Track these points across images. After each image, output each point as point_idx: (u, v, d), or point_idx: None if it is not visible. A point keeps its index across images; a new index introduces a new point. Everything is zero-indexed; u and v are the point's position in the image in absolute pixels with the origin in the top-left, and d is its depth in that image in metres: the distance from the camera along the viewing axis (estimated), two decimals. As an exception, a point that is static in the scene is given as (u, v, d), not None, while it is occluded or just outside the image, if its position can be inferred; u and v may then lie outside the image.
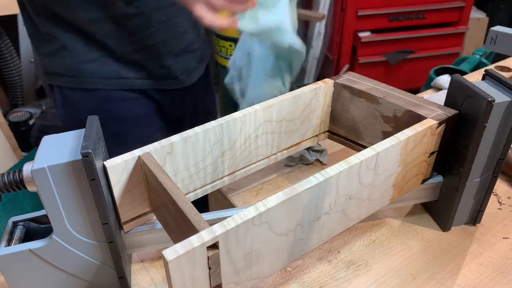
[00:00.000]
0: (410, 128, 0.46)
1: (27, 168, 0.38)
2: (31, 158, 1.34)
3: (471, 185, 0.51)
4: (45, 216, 0.43)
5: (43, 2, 0.70)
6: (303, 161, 0.66)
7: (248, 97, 0.69)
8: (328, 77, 0.57)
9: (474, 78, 0.94)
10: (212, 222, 0.43)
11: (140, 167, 0.43)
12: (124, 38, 0.73)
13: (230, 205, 0.60)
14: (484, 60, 1.26)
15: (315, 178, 0.39)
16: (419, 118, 0.48)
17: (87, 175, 0.37)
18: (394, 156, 0.45)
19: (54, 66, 0.75)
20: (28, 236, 0.43)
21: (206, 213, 0.47)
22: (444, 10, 2.14)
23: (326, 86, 0.56)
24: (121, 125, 0.77)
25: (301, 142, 0.59)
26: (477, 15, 2.42)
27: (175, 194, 0.37)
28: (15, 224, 0.43)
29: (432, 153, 0.50)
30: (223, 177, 0.52)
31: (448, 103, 0.50)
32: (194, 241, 0.32)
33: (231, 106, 0.72)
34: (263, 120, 0.52)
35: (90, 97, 0.77)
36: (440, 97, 0.87)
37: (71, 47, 0.73)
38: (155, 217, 0.46)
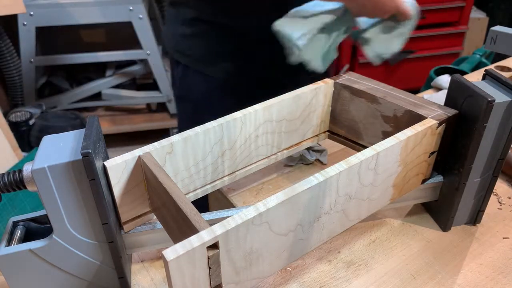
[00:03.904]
0: (410, 128, 0.46)
1: (27, 168, 0.38)
2: (31, 158, 1.34)
3: (471, 185, 0.51)
4: (45, 216, 0.43)
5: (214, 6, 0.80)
6: (303, 161, 0.66)
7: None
8: (328, 77, 0.57)
9: (474, 78, 0.94)
10: (212, 222, 0.43)
11: (140, 167, 0.43)
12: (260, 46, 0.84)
13: (230, 205, 0.60)
14: (484, 60, 1.26)
15: (315, 178, 0.39)
16: (419, 118, 0.48)
17: (87, 175, 0.37)
18: (394, 156, 0.45)
19: (187, 47, 0.86)
20: (28, 236, 0.43)
21: (206, 213, 0.47)
22: (444, 10, 2.14)
23: (326, 86, 0.56)
24: (219, 110, 0.81)
25: (301, 142, 0.59)
26: (477, 15, 2.42)
27: (175, 194, 0.37)
28: (15, 224, 0.43)
29: (432, 153, 0.50)
30: (223, 177, 0.52)
31: (448, 103, 0.50)
32: (194, 241, 0.32)
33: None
34: (263, 120, 0.52)
35: (206, 81, 0.88)
36: (440, 97, 0.87)
37: (209, 38, 0.84)
38: (155, 217, 0.46)
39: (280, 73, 0.90)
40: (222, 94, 0.90)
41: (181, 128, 1.00)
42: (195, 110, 0.94)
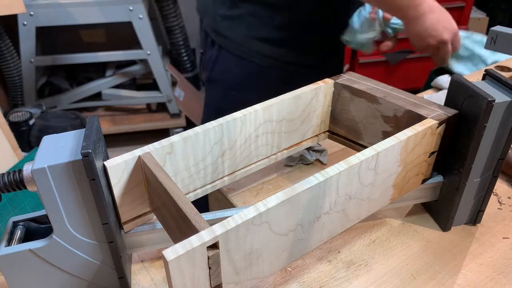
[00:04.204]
0: (410, 128, 0.46)
1: (27, 168, 0.38)
2: (31, 158, 1.34)
3: (471, 185, 0.51)
4: (45, 216, 0.43)
5: None
6: (303, 161, 0.66)
7: None
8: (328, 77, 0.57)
9: (474, 78, 0.94)
10: (212, 222, 0.43)
11: (140, 167, 0.43)
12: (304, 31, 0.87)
13: (230, 205, 0.60)
14: (484, 60, 1.25)
15: (315, 178, 0.39)
16: (419, 118, 0.48)
17: (87, 175, 0.37)
18: (394, 156, 0.45)
19: (226, 27, 0.86)
20: (28, 236, 0.43)
21: (206, 213, 0.47)
22: (444, 10, 2.14)
23: (326, 86, 0.56)
24: (251, 95, 0.83)
25: (301, 142, 0.59)
26: (477, 15, 2.42)
27: (175, 194, 0.37)
28: (15, 224, 0.43)
29: (432, 153, 0.50)
30: (223, 177, 0.52)
31: (448, 103, 0.50)
32: (194, 241, 0.32)
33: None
34: (263, 120, 0.52)
35: (241, 65, 0.89)
36: (440, 97, 0.87)
37: (251, 22, 0.84)
38: (155, 217, 0.46)
39: (314, 60, 0.93)
40: (255, 78, 0.91)
41: (208, 114, 0.99)
42: (225, 95, 0.94)
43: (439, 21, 0.78)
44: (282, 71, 0.90)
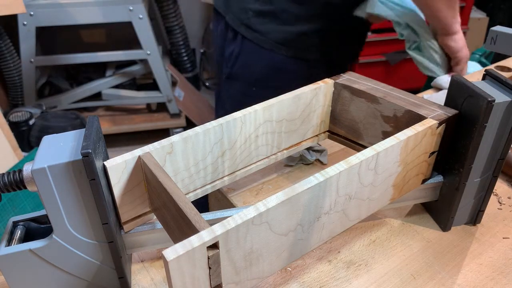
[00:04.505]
0: (410, 128, 0.46)
1: (27, 168, 0.38)
2: (31, 158, 1.34)
3: (471, 185, 0.51)
4: (45, 216, 0.43)
5: None
6: (303, 161, 0.66)
7: None
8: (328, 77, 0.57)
9: (474, 78, 0.94)
10: (212, 222, 0.43)
11: (140, 167, 0.43)
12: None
13: (230, 205, 0.60)
14: (484, 60, 1.25)
15: (315, 178, 0.39)
16: (419, 118, 0.48)
17: (87, 175, 0.37)
18: (394, 156, 0.45)
19: (259, 23, 0.89)
20: (28, 236, 0.43)
21: (206, 213, 0.47)
22: (444, 10, 2.13)
23: (326, 86, 0.56)
24: (270, 91, 0.86)
25: (301, 142, 0.59)
26: (477, 15, 2.42)
27: (175, 194, 0.37)
28: (15, 224, 0.43)
29: (432, 153, 0.50)
30: (223, 177, 0.52)
31: (448, 103, 0.50)
32: (194, 241, 0.32)
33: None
34: (263, 120, 0.52)
35: (265, 57, 0.91)
36: (440, 97, 0.87)
37: (281, 17, 0.88)
38: (155, 217, 0.46)
39: (342, 58, 0.99)
40: (276, 72, 0.94)
41: (227, 110, 1.01)
42: (246, 92, 0.96)
43: (463, 38, 0.89)
44: (304, 64, 0.93)
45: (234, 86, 0.98)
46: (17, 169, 0.40)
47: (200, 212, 0.36)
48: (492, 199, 0.59)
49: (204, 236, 0.33)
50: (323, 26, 0.91)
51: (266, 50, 0.91)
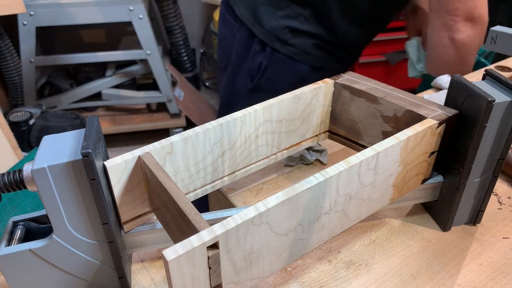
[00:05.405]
0: (410, 128, 0.46)
1: (27, 168, 0.38)
2: (31, 158, 1.34)
3: (471, 185, 0.51)
4: (45, 216, 0.43)
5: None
6: (303, 161, 0.66)
7: None
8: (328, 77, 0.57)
9: (474, 78, 0.94)
10: (212, 222, 0.43)
11: (140, 167, 0.43)
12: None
13: (230, 205, 0.60)
14: (483, 60, 1.25)
15: (315, 178, 0.39)
16: (419, 118, 0.48)
17: (87, 175, 0.37)
18: (394, 156, 0.45)
19: (293, 37, 0.90)
20: (28, 236, 0.43)
21: (206, 213, 0.47)
22: (444, 10, 2.13)
23: (326, 86, 0.56)
24: None
25: (301, 142, 0.59)
26: (477, 15, 2.41)
27: (175, 194, 0.37)
28: (15, 224, 0.43)
29: (432, 153, 0.50)
30: (223, 177, 0.52)
31: (448, 103, 0.50)
32: (194, 241, 0.32)
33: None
34: (263, 120, 0.52)
35: (294, 69, 0.92)
36: (440, 97, 0.87)
37: (321, 37, 0.90)
38: (155, 217, 0.46)
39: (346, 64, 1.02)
40: (303, 83, 0.97)
41: None
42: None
43: None
44: (325, 74, 0.98)
45: (257, 97, 0.99)
46: (17, 169, 0.40)
47: (200, 212, 0.36)
48: (492, 199, 0.59)
49: (204, 236, 0.33)
50: (363, 36, 0.94)
51: (296, 61, 0.91)
